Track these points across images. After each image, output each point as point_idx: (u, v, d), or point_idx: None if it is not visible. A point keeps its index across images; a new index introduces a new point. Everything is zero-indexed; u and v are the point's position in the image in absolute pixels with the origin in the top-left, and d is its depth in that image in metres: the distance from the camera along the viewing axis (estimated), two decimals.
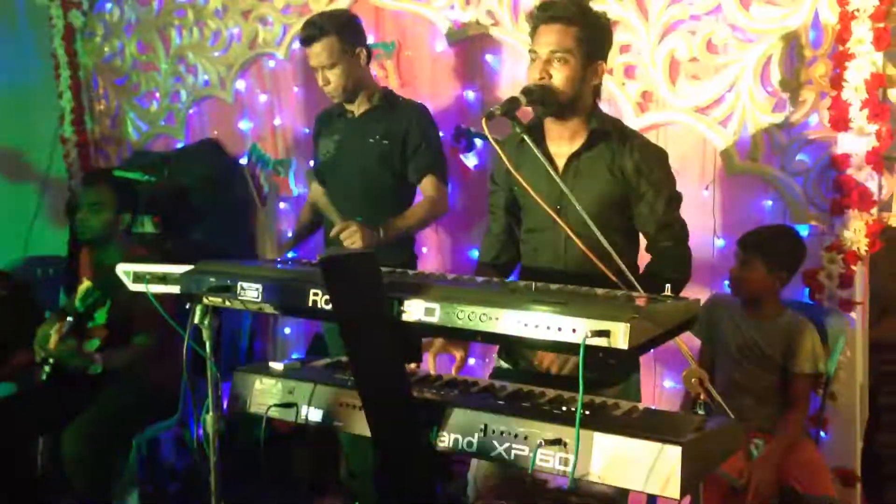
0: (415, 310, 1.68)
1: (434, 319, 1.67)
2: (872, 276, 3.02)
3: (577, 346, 1.51)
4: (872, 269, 3.02)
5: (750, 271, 2.83)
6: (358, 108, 3.24)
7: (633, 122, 3.32)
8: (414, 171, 3.21)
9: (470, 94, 3.81)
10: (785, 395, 2.82)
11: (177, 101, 4.78)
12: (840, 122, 2.91)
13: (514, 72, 3.64)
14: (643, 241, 2.46)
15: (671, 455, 1.53)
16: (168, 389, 3.06)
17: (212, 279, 1.98)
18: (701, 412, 1.79)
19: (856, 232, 2.91)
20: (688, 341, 2.05)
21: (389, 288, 1.71)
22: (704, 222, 3.21)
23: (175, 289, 2.16)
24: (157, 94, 4.87)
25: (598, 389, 2.08)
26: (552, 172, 2.16)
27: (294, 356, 4.28)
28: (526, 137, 2.20)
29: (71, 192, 4.98)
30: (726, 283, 3.09)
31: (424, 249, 3.96)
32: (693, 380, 2.62)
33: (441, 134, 3.84)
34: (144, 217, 4.06)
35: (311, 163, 3.71)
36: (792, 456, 2.72)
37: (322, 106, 3.51)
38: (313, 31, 3.10)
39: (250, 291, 1.92)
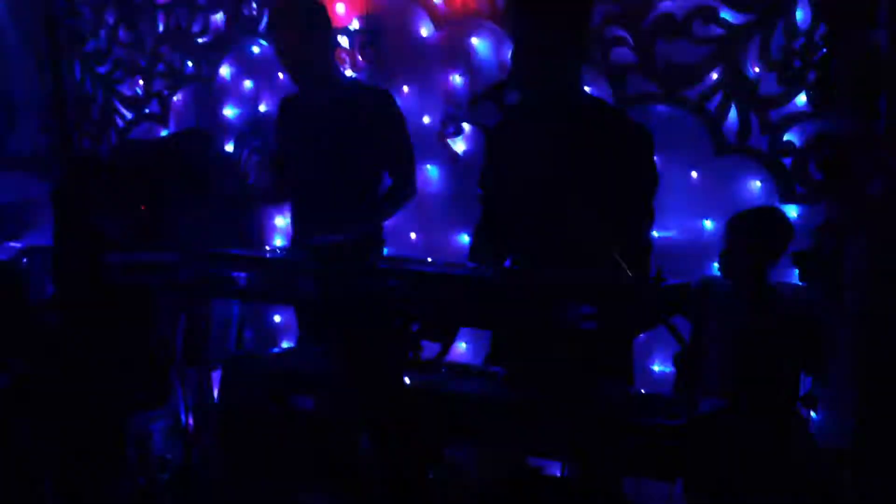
0: (403, 297, 1.67)
1: (423, 306, 1.66)
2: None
3: (570, 331, 1.50)
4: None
5: (738, 253, 2.83)
6: (322, 96, 3.23)
7: (618, 101, 3.31)
8: (385, 159, 3.20)
9: (457, 79, 3.79)
10: (777, 375, 2.82)
11: (161, 89, 4.73)
12: (827, 100, 2.90)
13: (500, 55, 3.62)
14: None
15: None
16: (158, 378, 3.04)
17: (199, 267, 1.97)
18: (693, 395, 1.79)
19: (844, 211, 2.92)
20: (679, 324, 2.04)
21: (377, 273, 1.70)
22: (693, 204, 3.20)
23: (163, 276, 2.15)
24: (141, 81, 4.81)
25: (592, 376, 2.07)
26: (537, 153, 2.14)
27: (284, 344, 4.26)
28: (512, 119, 2.19)
29: (56, 181, 4.93)
30: (716, 265, 3.09)
31: (413, 235, 3.94)
32: (683, 362, 2.65)
33: (428, 119, 3.84)
34: (129, 205, 4.02)
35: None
36: (779, 436, 2.73)
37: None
38: (281, 14, 3.14)
39: (238, 279, 1.90)
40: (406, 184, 3.25)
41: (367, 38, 3.95)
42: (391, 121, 3.21)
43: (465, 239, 3.67)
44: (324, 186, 3.23)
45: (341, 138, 3.18)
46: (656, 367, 3.34)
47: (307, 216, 3.30)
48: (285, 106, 3.43)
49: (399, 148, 3.24)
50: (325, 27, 3.20)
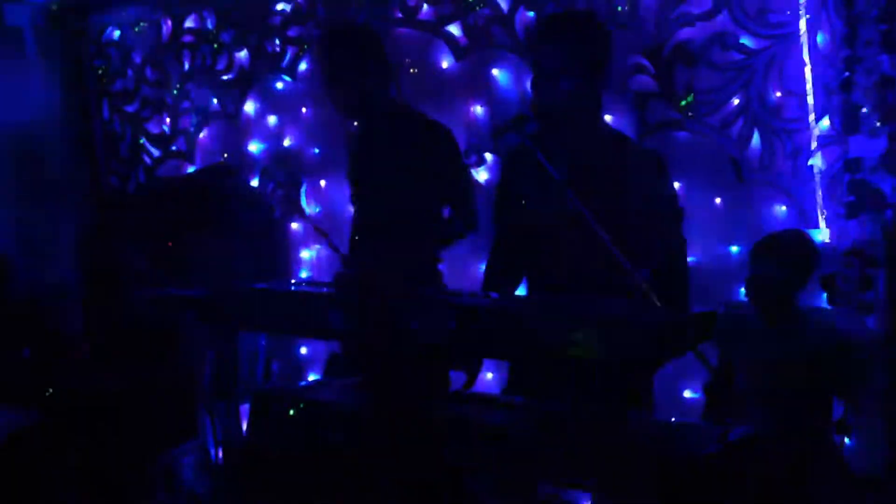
0: (430, 329, 1.68)
1: (450, 337, 1.66)
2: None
3: (593, 359, 1.50)
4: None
5: (764, 278, 2.80)
6: (375, 125, 3.17)
7: (639, 129, 3.31)
8: (433, 193, 3.13)
9: (478, 110, 3.81)
10: (806, 401, 2.79)
11: (187, 126, 4.80)
12: (851, 125, 2.89)
13: (521, 86, 3.64)
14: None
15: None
16: (185, 412, 3.07)
17: (228, 304, 1.99)
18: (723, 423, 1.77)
19: (871, 235, 2.89)
20: (707, 350, 2.03)
21: (406, 306, 1.71)
22: (718, 230, 3.19)
23: (192, 312, 2.17)
24: (167, 119, 4.89)
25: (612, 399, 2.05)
26: (559, 184, 2.14)
27: (311, 376, 4.27)
28: (533, 150, 2.19)
29: (87, 220, 5.00)
30: (742, 290, 3.07)
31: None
32: (713, 389, 2.62)
33: None
34: (157, 242, 4.07)
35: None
36: (811, 464, 2.69)
37: (330, 127, 3.51)
38: (331, 39, 3.08)
39: (267, 314, 1.92)
40: (461, 218, 3.14)
41: None
42: (449, 153, 3.14)
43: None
44: (379, 214, 3.15)
45: (396, 168, 3.11)
46: (686, 394, 3.31)
47: (363, 242, 3.24)
48: (350, 135, 3.38)
49: (456, 184, 3.14)
50: (377, 53, 3.12)
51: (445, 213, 3.21)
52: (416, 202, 3.15)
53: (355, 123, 3.30)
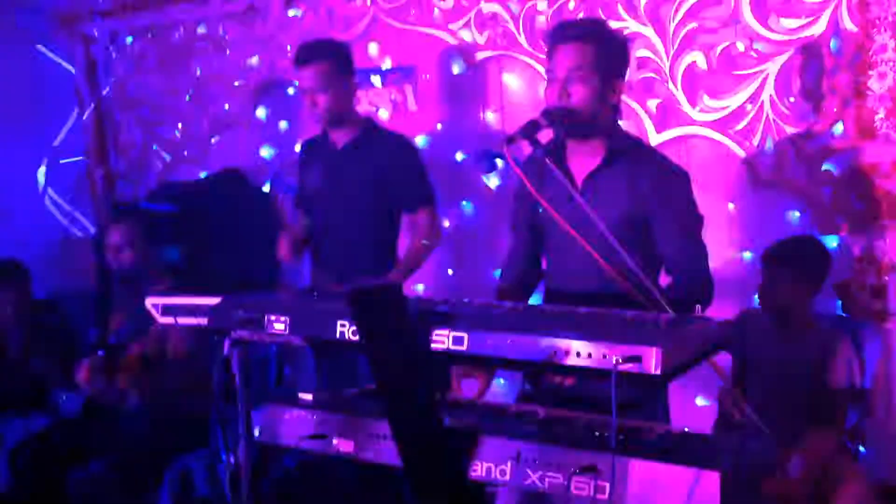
0: (443, 339, 1.67)
1: (462, 348, 1.65)
2: None
3: (608, 372, 1.49)
4: None
5: (776, 285, 2.79)
6: (341, 138, 3.25)
7: (654, 137, 3.31)
8: (407, 205, 3.21)
9: (489, 115, 3.82)
10: (821, 410, 2.77)
11: (199, 131, 4.82)
12: (865, 130, 2.88)
13: (533, 92, 3.64)
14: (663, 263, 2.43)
15: (709, 481, 1.51)
16: (200, 421, 3.07)
17: (240, 312, 1.98)
18: (737, 433, 1.76)
19: (886, 241, 2.87)
20: (719, 358, 2.02)
21: (417, 318, 1.70)
22: (731, 236, 3.18)
23: (203, 321, 2.16)
24: (179, 125, 4.91)
25: (626, 411, 2.04)
26: (572, 192, 2.12)
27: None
28: (547, 159, 2.18)
29: (98, 226, 5.03)
30: (756, 297, 3.05)
31: (450, 271, 3.95)
32: (728, 399, 2.61)
33: (462, 156, 3.87)
34: (171, 248, 4.08)
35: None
36: (827, 472, 2.67)
37: None
38: (307, 54, 3.16)
39: (277, 324, 1.91)
40: (426, 230, 3.23)
41: (400, 77, 4.00)
42: (413, 166, 3.21)
43: (498, 273, 3.68)
44: (339, 230, 3.25)
45: (362, 183, 3.19)
46: (699, 402, 3.30)
47: (323, 260, 3.33)
48: (308, 146, 3.46)
49: (425, 194, 3.23)
50: (347, 67, 3.23)
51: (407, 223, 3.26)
52: (380, 213, 3.20)
53: (318, 134, 3.36)
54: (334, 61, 3.17)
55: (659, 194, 2.30)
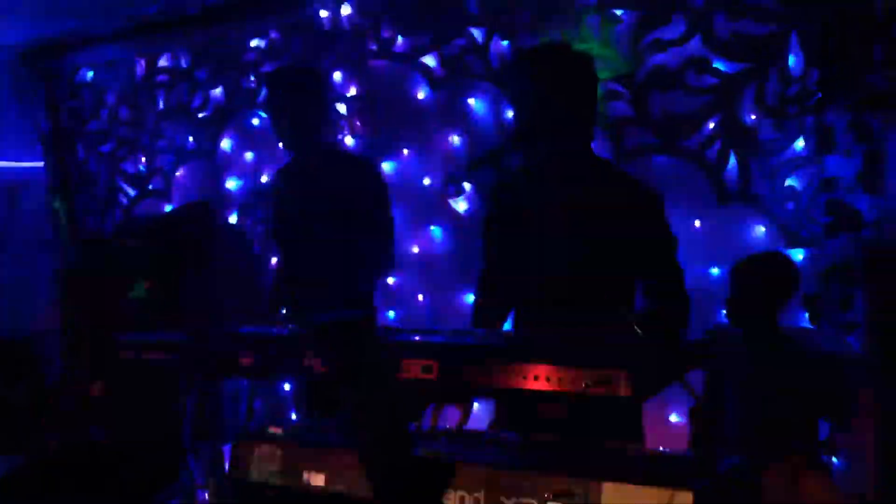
0: (413, 369, 1.65)
1: (432, 377, 1.64)
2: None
3: (580, 395, 1.48)
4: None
5: (746, 299, 2.80)
6: (307, 164, 3.24)
7: (617, 155, 3.33)
8: (355, 230, 3.19)
9: (455, 139, 3.82)
10: (793, 423, 2.78)
11: (164, 164, 4.78)
12: (826, 145, 2.92)
13: (498, 115, 3.65)
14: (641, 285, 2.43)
15: (683, 501, 1.50)
16: (169, 457, 3.02)
17: (206, 347, 1.96)
18: (710, 451, 1.76)
19: (850, 254, 2.90)
20: (691, 374, 2.02)
21: (386, 348, 1.69)
22: (698, 253, 3.19)
23: (171, 357, 2.14)
24: (143, 158, 4.87)
25: (600, 433, 2.04)
26: (542, 217, 2.12)
27: (294, 415, 4.23)
28: (515, 182, 2.18)
29: (63, 262, 4.96)
30: (724, 312, 3.06)
31: (420, 297, 3.94)
32: (699, 417, 2.61)
33: (429, 181, 3.87)
34: (138, 283, 4.03)
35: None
36: (800, 486, 2.68)
37: None
38: (277, 77, 3.18)
39: (245, 358, 1.89)
40: (376, 258, 3.20)
41: (365, 104, 4.00)
42: (370, 191, 3.20)
43: (471, 298, 3.67)
44: (308, 256, 3.22)
45: (324, 208, 3.17)
46: (673, 419, 3.30)
47: (297, 287, 3.30)
48: (280, 176, 3.44)
49: (371, 219, 3.21)
50: (318, 92, 3.23)
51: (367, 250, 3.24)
52: (344, 237, 3.18)
53: (288, 161, 3.35)
54: (305, 85, 3.16)
55: (635, 218, 2.31)
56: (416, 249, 3.87)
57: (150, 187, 4.85)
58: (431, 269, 3.90)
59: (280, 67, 3.37)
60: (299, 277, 3.19)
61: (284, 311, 3.42)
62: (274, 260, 4.39)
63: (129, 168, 4.94)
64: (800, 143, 3.03)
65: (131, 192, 4.95)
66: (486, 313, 2.57)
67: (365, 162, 3.33)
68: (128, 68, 4.81)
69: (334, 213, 3.15)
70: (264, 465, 2.02)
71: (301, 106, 3.15)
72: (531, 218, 2.20)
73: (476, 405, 3.54)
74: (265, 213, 4.38)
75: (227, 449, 2.25)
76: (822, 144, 2.92)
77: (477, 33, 3.65)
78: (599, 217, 2.32)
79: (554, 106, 2.24)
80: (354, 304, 3.15)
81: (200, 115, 4.56)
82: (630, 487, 1.56)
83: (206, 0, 4.22)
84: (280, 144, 3.31)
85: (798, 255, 3.02)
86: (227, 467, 2.19)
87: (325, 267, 3.17)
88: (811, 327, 3.00)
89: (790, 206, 3.06)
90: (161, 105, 4.71)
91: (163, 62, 4.67)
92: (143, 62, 4.74)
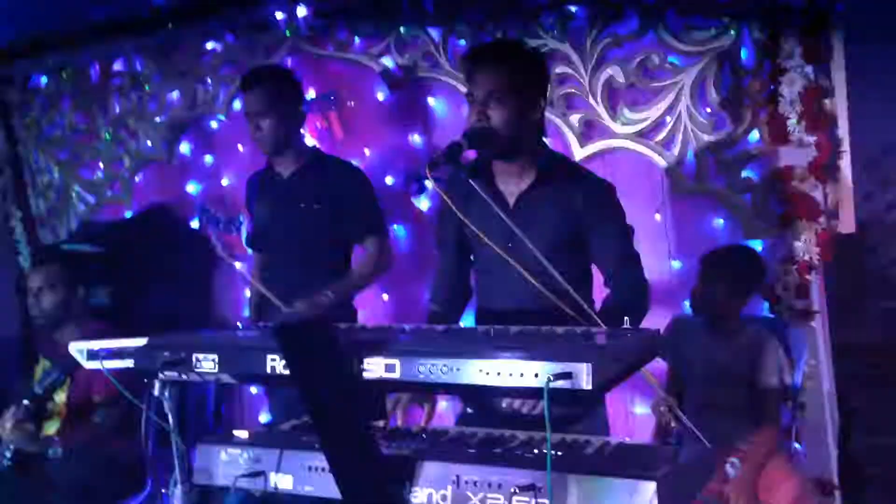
0: (375, 367, 1.65)
1: (395, 375, 1.64)
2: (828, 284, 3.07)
3: (541, 390, 1.49)
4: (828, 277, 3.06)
5: (713, 290, 2.84)
6: (286, 167, 3.21)
7: (577, 151, 3.35)
8: (355, 233, 3.20)
9: (416, 138, 3.83)
10: (755, 410, 2.83)
11: (121, 169, 4.72)
12: (779, 135, 2.96)
13: (458, 113, 3.66)
14: (598, 276, 2.46)
15: (646, 491, 1.52)
16: (135, 465, 2.99)
17: (166, 353, 1.93)
18: (673, 441, 1.78)
19: (807, 242, 2.95)
20: (654, 365, 2.04)
21: (347, 347, 1.68)
22: (658, 245, 3.23)
23: (130, 363, 2.11)
24: (101, 164, 4.80)
25: (564, 426, 2.05)
26: (499, 211, 2.12)
27: (262, 417, 4.21)
28: (472, 181, 2.18)
29: (20, 270, 4.88)
30: (686, 303, 3.10)
31: (385, 296, 3.94)
32: (662, 408, 2.64)
33: (392, 180, 3.86)
34: (97, 289, 3.98)
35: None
36: (763, 472, 2.72)
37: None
38: (253, 77, 3.14)
39: (206, 362, 1.87)
40: (376, 254, 3.22)
41: (325, 105, 3.98)
42: (360, 194, 3.19)
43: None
44: (289, 261, 3.21)
45: (310, 214, 3.15)
46: (637, 410, 3.33)
47: (278, 289, 3.27)
48: (253, 181, 3.41)
49: (373, 222, 3.21)
50: (294, 94, 3.20)
51: (359, 252, 3.24)
52: (331, 241, 3.17)
53: (266, 165, 3.32)
54: (280, 86, 3.13)
55: (591, 209, 2.33)
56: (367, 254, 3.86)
57: (109, 193, 4.79)
58: (395, 268, 3.90)
59: (256, 68, 3.30)
60: (288, 282, 3.15)
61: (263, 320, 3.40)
62: (239, 265, 4.38)
63: (86, 174, 4.87)
64: (754, 135, 3.07)
65: (90, 198, 4.88)
66: (442, 311, 2.58)
67: (351, 165, 3.31)
68: (82, 73, 4.73)
69: (326, 216, 3.14)
70: (230, 469, 2.01)
71: (282, 108, 3.12)
72: (484, 213, 2.20)
73: (444, 403, 3.56)
74: (226, 216, 4.35)
75: (192, 453, 2.23)
76: (776, 135, 2.96)
77: (434, 33, 3.65)
78: (558, 212, 2.33)
79: (504, 102, 2.25)
80: (339, 307, 3.14)
81: (158, 119, 4.50)
82: (594, 479, 1.57)
83: (159, 2, 4.16)
84: (247, 147, 3.26)
85: (756, 245, 3.06)
86: (193, 472, 2.18)
87: (315, 270, 3.15)
88: (770, 315, 3.04)
89: (747, 197, 3.10)
90: (117, 110, 4.65)
91: (117, 66, 4.60)
92: (97, 66, 4.67)
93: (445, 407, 3.62)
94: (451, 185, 2.44)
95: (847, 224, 3.01)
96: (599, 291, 2.44)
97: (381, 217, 3.27)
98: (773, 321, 2.99)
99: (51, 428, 3.26)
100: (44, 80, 4.91)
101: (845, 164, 2.99)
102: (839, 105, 2.98)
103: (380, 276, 3.31)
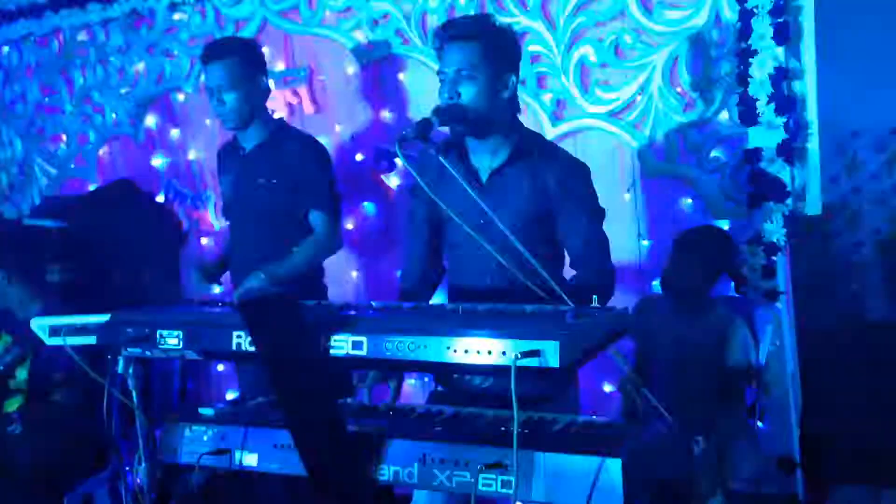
0: (342, 345, 1.64)
1: (362, 353, 1.63)
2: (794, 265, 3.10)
3: (508, 368, 1.49)
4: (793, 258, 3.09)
5: (685, 270, 2.84)
6: (249, 141, 3.17)
7: (549, 130, 3.34)
8: (301, 208, 3.13)
9: (387, 115, 3.79)
10: (721, 389, 2.85)
11: (86, 143, 4.64)
12: (749, 117, 2.98)
13: (429, 89, 3.62)
14: (567, 256, 2.46)
15: (612, 468, 1.53)
16: (98, 442, 2.96)
17: (129, 329, 1.91)
18: (640, 418, 1.79)
19: (773, 223, 2.98)
20: (622, 344, 2.05)
21: (314, 324, 1.67)
22: (628, 225, 3.24)
23: (93, 339, 2.08)
24: (65, 137, 4.71)
25: (535, 405, 2.06)
26: (471, 191, 2.10)
27: (228, 395, 4.18)
28: (441, 158, 2.16)
29: None
30: (655, 283, 3.12)
31: (354, 273, 3.92)
32: (629, 386, 2.65)
33: (362, 156, 3.83)
34: (56, 265, 3.91)
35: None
36: (727, 450, 2.75)
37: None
38: (215, 50, 3.07)
39: (170, 339, 1.85)
40: (320, 232, 3.12)
41: (295, 80, 3.93)
42: (309, 168, 3.13)
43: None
44: (252, 235, 3.17)
45: (268, 189, 3.11)
46: (606, 388, 3.35)
47: (239, 263, 3.24)
48: (222, 153, 3.36)
49: (319, 197, 3.13)
50: (257, 65, 3.15)
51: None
52: (289, 216, 3.13)
53: (230, 139, 3.27)
54: (242, 58, 3.06)
55: (563, 189, 2.33)
56: (349, 226, 3.84)
57: (73, 167, 4.71)
58: (364, 245, 3.88)
59: (217, 40, 3.24)
60: (247, 257, 3.12)
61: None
62: (206, 241, 4.33)
63: (49, 147, 4.78)
64: (724, 116, 3.08)
65: (52, 171, 4.79)
66: (413, 289, 2.57)
67: (310, 139, 3.25)
68: (46, 43, 4.63)
69: (283, 190, 3.09)
70: (196, 446, 1.99)
71: (246, 82, 3.06)
72: (455, 191, 2.18)
73: (412, 381, 3.56)
74: (193, 192, 4.30)
75: (157, 431, 2.21)
76: (744, 116, 2.98)
77: (407, 7, 3.61)
78: (530, 189, 2.33)
79: (474, 79, 2.23)
80: (307, 282, 3.10)
81: (123, 91, 4.42)
82: (561, 456, 1.58)
83: None
84: (214, 120, 3.20)
85: (724, 225, 3.08)
86: (157, 449, 2.16)
87: (273, 245, 3.11)
88: (737, 295, 3.06)
89: (716, 177, 3.11)
90: (81, 81, 4.56)
91: (82, 37, 4.51)
92: (61, 36, 4.57)
93: (414, 384, 3.62)
94: (422, 162, 2.42)
95: (813, 206, 3.03)
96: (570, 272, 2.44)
97: (331, 194, 3.17)
98: (740, 301, 3.01)
99: (12, 405, 3.21)
100: (5, 50, 4.80)
101: (813, 146, 3.01)
102: (808, 87, 2.99)
103: (324, 257, 3.19)
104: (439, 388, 2.52)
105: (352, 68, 3.84)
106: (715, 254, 2.85)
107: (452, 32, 2.28)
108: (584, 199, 2.37)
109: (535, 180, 2.33)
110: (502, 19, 2.42)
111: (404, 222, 2.68)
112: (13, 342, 3.20)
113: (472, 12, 3.37)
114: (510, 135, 2.35)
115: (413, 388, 3.62)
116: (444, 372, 2.37)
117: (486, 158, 2.37)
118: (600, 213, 2.41)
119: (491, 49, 2.26)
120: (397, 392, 2.39)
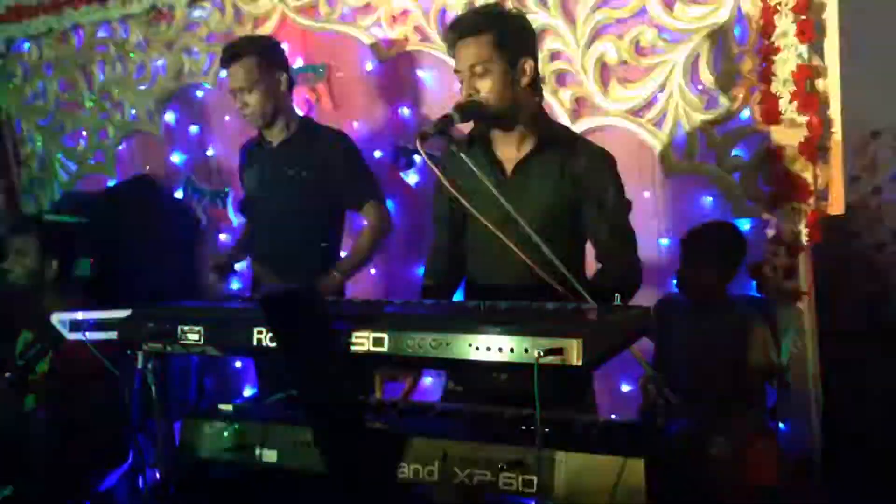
0: (363, 341, 1.63)
1: (383, 349, 1.62)
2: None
3: (530, 365, 1.48)
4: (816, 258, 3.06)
5: (696, 268, 2.84)
6: (276, 136, 3.18)
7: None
8: (351, 201, 3.17)
9: (405, 111, 3.79)
10: (741, 389, 2.83)
11: (105, 139, 4.66)
12: (771, 115, 2.94)
13: (448, 85, 3.62)
14: (591, 249, 2.44)
15: (634, 468, 1.51)
16: (118, 438, 2.96)
17: (150, 324, 1.91)
18: (661, 419, 1.77)
19: (796, 223, 2.95)
20: (642, 343, 2.03)
21: (335, 320, 1.66)
22: (648, 224, 3.21)
23: (113, 335, 2.08)
24: (84, 133, 4.74)
25: (550, 404, 2.04)
26: (492, 188, 2.08)
27: (246, 391, 4.19)
28: (463, 155, 2.14)
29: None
30: (673, 282, 3.09)
31: (373, 270, 3.91)
32: (649, 385, 2.63)
33: (380, 153, 3.83)
34: (80, 260, 3.93)
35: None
36: (747, 451, 2.73)
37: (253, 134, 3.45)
38: (233, 51, 3.07)
39: (191, 334, 1.85)
40: (375, 220, 3.21)
41: (313, 76, 3.93)
42: (351, 160, 3.15)
43: (420, 271, 3.65)
44: (280, 231, 3.18)
45: (298, 182, 3.12)
46: (624, 388, 3.34)
47: (266, 262, 3.24)
48: (246, 148, 3.37)
49: (367, 187, 3.17)
50: (277, 63, 3.14)
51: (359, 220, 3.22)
52: (317, 210, 3.14)
53: (255, 137, 3.28)
54: (262, 57, 3.07)
55: (590, 180, 2.31)
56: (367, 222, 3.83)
57: (92, 162, 4.73)
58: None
59: (236, 41, 3.23)
60: (273, 251, 3.13)
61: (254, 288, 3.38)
62: (224, 237, 4.34)
63: (69, 143, 4.80)
64: (746, 114, 3.05)
65: (72, 167, 4.82)
66: (435, 286, 2.56)
67: (339, 132, 3.27)
68: (66, 39, 4.65)
69: (314, 184, 3.10)
70: (215, 442, 1.99)
71: (267, 81, 3.06)
72: (478, 187, 2.16)
73: (429, 379, 3.55)
74: (212, 189, 4.31)
75: (176, 427, 2.22)
76: (766, 114, 2.95)
77: (425, 4, 3.60)
78: (556, 181, 2.31)
79: (488, 73, 2.22)
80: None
81: (142, 87, 4.44)
82: (583, 456, 1.57)
83: None
84: (233, 117, 3.22)
85: (745, 224, 3.05)
86: (177, 445, 2.16)
87: (300, 238, 3.12)
88: (758, 295, 3.04)
89: (737, 175, 3.09)
90: (101, 77, 4.58)
91: (102, 33, 4.52)
92: (81, 33, 4.59)
93: (430, 382, 3.61)
94: (444, 158, 2.41)
95: (836, 206, 3.00)
96: (593, 266, 2.42)
97: (375, 182, 3.24)
98: (761, 300, 2.99)
99: (32, 401, 3.23)
100: (27, 46, 4.83)
101: (836, 145, 2.97)
102: (831, 86, 2.96)
103: (382, 241, 3.29)
104: (454, 386, 2.51)
105: (370, 65, 3.83)
106: (723, 250, 2.83)
107: (460, 29, 2.27)
108: (610, 190, 2.35)
109: (562, 170, 2.31)
110: (510, 5, 2.39)
111: (428, 221, 2.67)
112: (34, 338, 3.21)
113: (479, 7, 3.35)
114: (535, 125, 2.34)
115: (431, 385, 3.62)
116: (465, 369, 2.36)
117: (511, 148, 2.36)
118: (627, 205, 2.39)
119: (500, 39, 2.24)
120: (412, 388, 2.37)
